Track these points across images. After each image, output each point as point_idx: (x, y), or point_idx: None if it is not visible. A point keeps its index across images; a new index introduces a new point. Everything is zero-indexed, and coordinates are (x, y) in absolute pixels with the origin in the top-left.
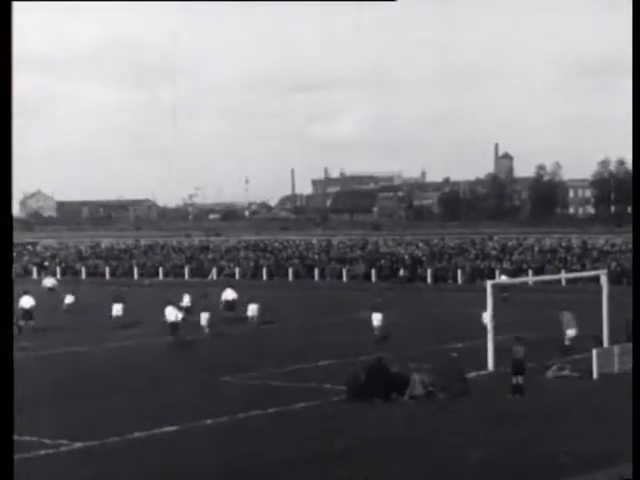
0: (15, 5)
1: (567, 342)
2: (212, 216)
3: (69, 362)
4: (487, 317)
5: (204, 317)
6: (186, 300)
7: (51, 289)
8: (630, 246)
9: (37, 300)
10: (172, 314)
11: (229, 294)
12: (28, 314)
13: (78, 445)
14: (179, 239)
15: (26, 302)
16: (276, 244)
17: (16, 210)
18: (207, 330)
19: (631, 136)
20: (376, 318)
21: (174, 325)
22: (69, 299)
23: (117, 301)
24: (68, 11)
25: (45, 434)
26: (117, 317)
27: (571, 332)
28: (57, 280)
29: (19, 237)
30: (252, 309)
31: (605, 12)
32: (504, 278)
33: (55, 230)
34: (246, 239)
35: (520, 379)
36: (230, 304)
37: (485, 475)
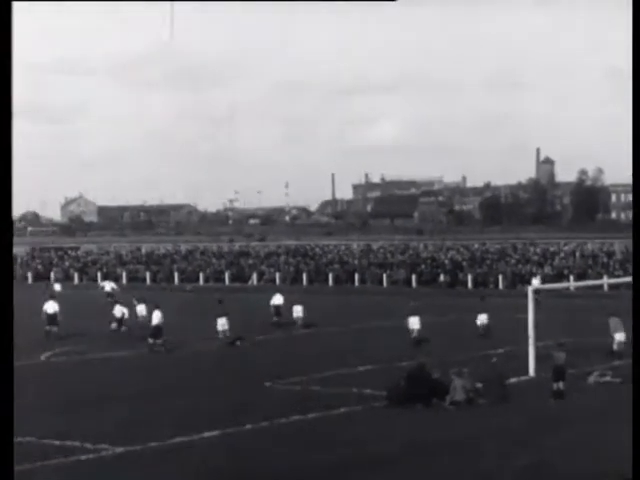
0: (60, 8)
1: (615, 347)
2: (252, 221)
3: (107, 368)
4: (481, 319)
5: (221, 323)
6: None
7: (110, 293)
8: None
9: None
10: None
11: (277, 299)
12: (53, 319)
13: (120, 450)
14: (219, 244)
15: (50, 307)
16: (316, 249)
17: (57, 215)
18: (221, 335)
19: (631, 136)
20: (413, 322)
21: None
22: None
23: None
24: (110, 15)
25: (86, 438)
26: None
27: (620, 336)
28: (117, 285)
29: (60, 242)
30: (297, 310)
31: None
32: (535, 282)
33: (96, 235)
34: (286, 244)
35: (561, 385)
36: (277, 309)
37: None
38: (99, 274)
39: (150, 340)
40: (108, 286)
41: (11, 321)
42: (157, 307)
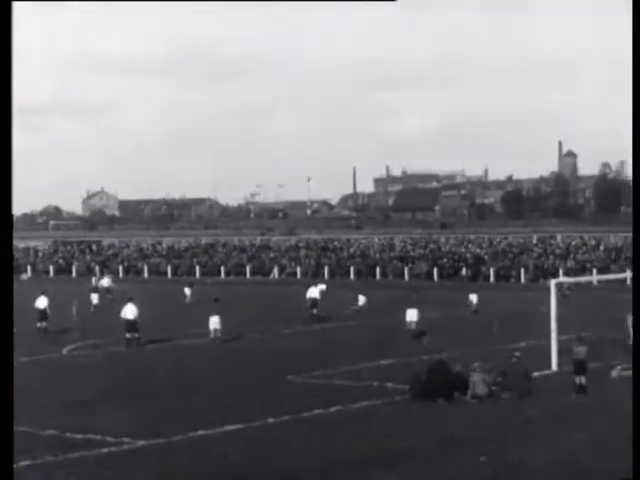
0: (76, 6)
1: (631, 342)
2: (275, 214)
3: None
4: (473, 298)
5: (213, 321)
6: None
7: (108, 290)
8: None
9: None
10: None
11: (313, 292)
12: (43, 315)
13: (141, 443)
14: (241, 237)
15: (41, 303)
16: (336, 243)
17: (79, 209)
18: (213, 335)
19: (631, 136)
20: (411, 315)
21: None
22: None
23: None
24: (128, 10)
25: (109, 432)
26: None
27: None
28: (113, 280)
29: (82, 235)
30: (361, 299)
31: None
32: (561, 278)
33: (118, 229)
34: (307, 237)
35: (583, 379)
36: (314, 301)
37: (554, 475)
38: (120, 268)
39: (127, 335)
40: (105, 282)
41: (11, 321)
42: (130, 300)
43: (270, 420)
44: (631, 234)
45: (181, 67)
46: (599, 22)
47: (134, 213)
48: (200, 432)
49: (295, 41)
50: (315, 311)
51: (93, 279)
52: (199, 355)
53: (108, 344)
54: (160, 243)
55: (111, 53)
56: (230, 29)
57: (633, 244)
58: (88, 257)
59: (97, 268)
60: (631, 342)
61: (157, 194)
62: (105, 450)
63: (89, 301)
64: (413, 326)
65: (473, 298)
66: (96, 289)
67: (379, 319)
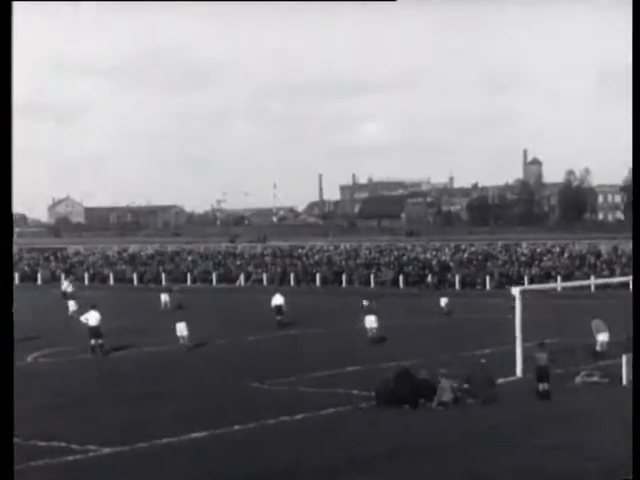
0: (50, 9)
1: (599, 348)
2: (240, 222)
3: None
4: (443, 302)
5: (179, 328)
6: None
7: (65, 293)
8: None
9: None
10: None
11: (277, 299)
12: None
13: (107, 451)
14: (207, 244)
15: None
16: (302, 250)
17: (44, 216)
18: (182, 341)
19: (631, 137)
20: (370, 321)
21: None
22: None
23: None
24: (100, 17)
25: (74, 439)
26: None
27: (602, 337)
28: (72, 284)
29: (47, 243)
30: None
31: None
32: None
33: (83, 236)
34: (273, 244)
35: (546, 385)
36: (279, 308)
37: None
38: (86, 275)
39: (92, 341)
40: (67, 286)
41: (11, 321)
42: (94, 307)
43: (236, 427)
44: (595, 241)
45: (147, 73)
46: (564, 28)
47: (100, 220)
48: (165, 440)
49: (261, 48)
50: (280, 318)
51: (63, 285)
52: (165, 362)
53: (74, 351)
54: (126, 250)
55: (76, 58)
56: (197, 36)
57: (633, 244)
58: (53, 264)
59: (63, 275)
60: (599, 348)
61: (123, 201)
62: (70, 458)
63: (64, 307)
64: (373, 332)
65: (443, 301)
66: (72, 295)
67: (343, 326)
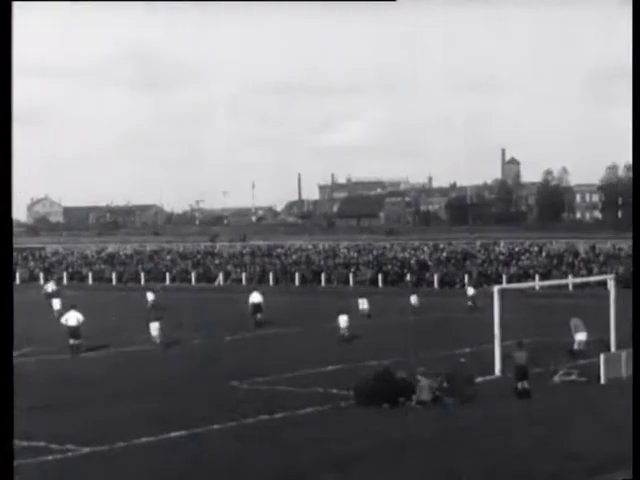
0: (23, 8)
1: (577, 347)
2: (219, 221)
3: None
4: (364, 304)
5: (154, 327)
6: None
7: (49, 294)
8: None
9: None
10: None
11: (255, 297)
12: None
13: (86, 450)
14: (186, 244)
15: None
16: (280, 249)
17: (23, 216)
18: (158, 340)
19: (631, 137)
20: (342, 321)
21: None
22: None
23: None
24: (76, 17)
25: (53, 439)
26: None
27: (581, 336)
28: (57, 285)
29: (26, 242)
30: (362, 302)
31: (613, 21)
32: (470, 290)
33: (62, 235)
34: (252, 244)
35: (525, 384)
36: (257, 307)
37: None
38: (64, 274)
39: (71, 341)
40: (52, 286)
41: (11, 321)
42: (73, 307)
43: (215, 426)
44: (573, 240)
45: (124, 73)
46: (542, 28)
47: (78, 220)
48: (144, 439)
49: (241, 48)
50: (259, 316)
51: (47, 285)
52: (143, 361)
53: (53, 351)
54: (105, 250)
55: (54, 59)
56: (177, 35)
57: (633, 245)
58: (32, 264)
59: (42, 275)
60: (576, 347)
61: (102, 201)
62: (50, 457)
63: (46, 307)
64: (345, 332)
65: (413, 299)
66: (57, 294)
67: (322, 325)
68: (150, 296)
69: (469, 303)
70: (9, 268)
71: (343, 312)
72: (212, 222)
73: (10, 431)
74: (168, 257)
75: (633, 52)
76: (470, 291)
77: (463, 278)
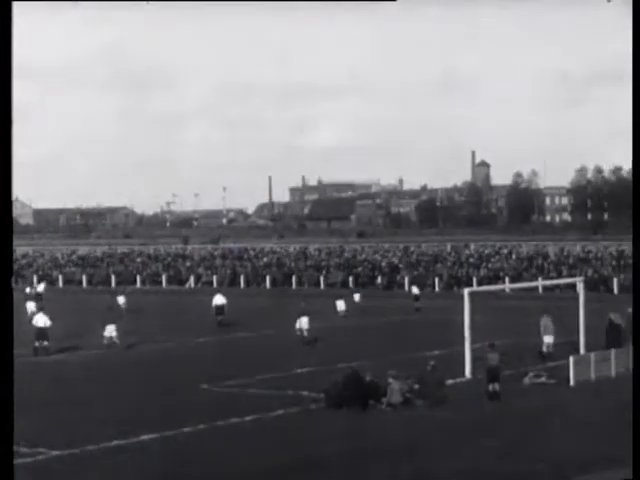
0: None
1: (545, 349)
2: (190, 223)
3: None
4: (340, 306)
5: (109, 329)
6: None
7: (39, 294)
8: (608, 252)
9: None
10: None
11: (218, 299)
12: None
13: (56, 453)
14: (157, 246)
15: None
16: (251, 251)
17: None
18: (106, 342)
19: (631, 137)
20: (303, 322)
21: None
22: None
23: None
24: (45, 17)
25: (22, 442)
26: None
27: (548, 339)
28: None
29: None
30: (340, 304)
31: (584, 23)
32: (415, 289)
33: (32, 238)
34: (223, 246)
35: (496, 386)
36: (220, 308)
37: None
38: (34, 277)
39: (36, 343)
40: (40, 288)
41: (11, 321)
42: (41, 309)
43: (186, 429)
44: (542, 243)
45: (95, 75)
46: (511, 31)
47: (49, 222)
48: (115, 442)
49: (211, 50)
50: (220, 318)
51: (27, 288)
52: (112, 364)
53: (21, 354)
54: (75, 252)
55: (25, 59)
56: (147, 37)
57: (633, 245)
58: None
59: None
60: (545, 349)
61: (72, 203)
62: (20, 460)
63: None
64: (305, 334)
65: (340, 305)
66: (37, 296)
67: (293, 328)
68: (121, 299)
69: (416, 304)
70: (9, 268)
71: (304, 314)
72: (182, 224)
73: (10, 431)
74: (139, 259)
75: (633, 52)
76: (415, 290)
77: (434, 281)
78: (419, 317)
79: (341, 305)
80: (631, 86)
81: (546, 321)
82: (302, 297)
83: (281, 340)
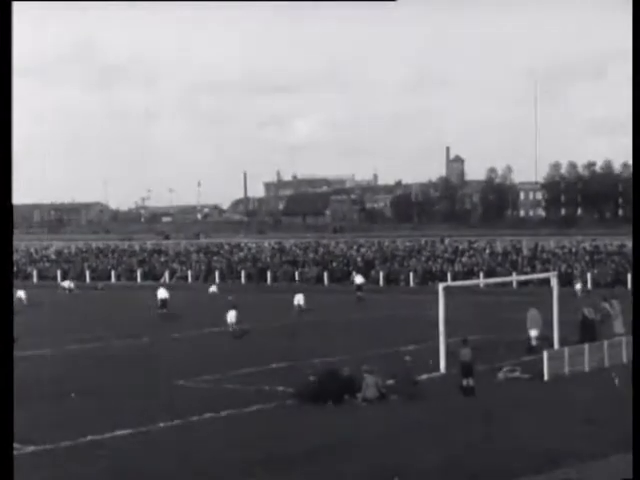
0: None
1: (534, 342)
2: (165, 219)
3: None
4: (300, 300)
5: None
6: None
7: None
8: (580, 247)
9: None
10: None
11: (162, 293)
12: None
13: (31, 449)
14: (131, 242)
15: None
16: (226, 247)
17: None
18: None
19: (631, 137)
20: (231, 316)
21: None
22: None
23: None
24: (21, 15)
25: None
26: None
27: (533, 332)
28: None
29: None
30: (298, 298)
31: (557, 20)
32: (359, 278)
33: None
34: (198, 242)
35: (470, 381)
36: (163, 302)
37: (439, 477)
38: None
39: None
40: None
41: (11, 321)
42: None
43: (161, 425)
44: (516, 238)
45: (70, 70)
46: (485, 27)
47: (23, 218)
48: (89, 437)
49: (185, 45)
50: (165, 311)
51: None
52: (86, 360)
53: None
54: (49, 247)
55: None
56: (121, 32)
57: (633, 245)
58: None
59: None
60: (534, 343)
61: (46, 199)
62: None
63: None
64: (234, 327)
65: (299, 299)
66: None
67: (269, 322)
68: (68, 283)
69: (358, 294)
70: (9, 268)
71: (233, 308)
72: (156, 220)
73: (10, 431)
74: (114, 255)
75: (633, 49)
76: (358, 279)
77: (408, 275)
78: (390, 313)
79: (299, 299)
80: (632, 85)
81: (533, 313)
82: (277, 292)
83: (257, 335)
